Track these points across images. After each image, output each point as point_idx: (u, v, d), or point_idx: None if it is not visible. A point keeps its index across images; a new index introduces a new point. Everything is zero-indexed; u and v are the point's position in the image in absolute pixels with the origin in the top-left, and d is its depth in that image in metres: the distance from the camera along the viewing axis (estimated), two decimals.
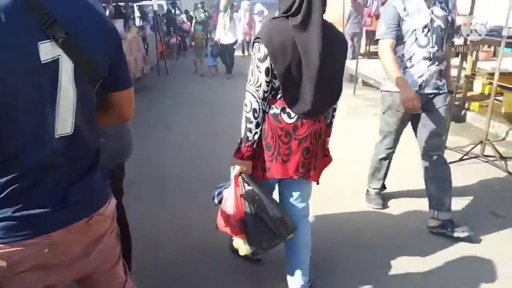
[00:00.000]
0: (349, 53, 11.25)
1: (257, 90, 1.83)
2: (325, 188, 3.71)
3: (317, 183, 2.17)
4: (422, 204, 3.27)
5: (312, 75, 1.81)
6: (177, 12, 15.54)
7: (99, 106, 1.24)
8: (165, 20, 15.21)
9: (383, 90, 3.08)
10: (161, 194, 3.76)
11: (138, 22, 18.02)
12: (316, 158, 2.05)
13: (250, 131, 1.89)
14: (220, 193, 2.16)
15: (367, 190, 3.55)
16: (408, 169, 3.95)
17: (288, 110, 1.89)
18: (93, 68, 1.13)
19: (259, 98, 1.84)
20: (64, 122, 1.10)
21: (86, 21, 1.13)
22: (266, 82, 1.82)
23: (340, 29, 13.21)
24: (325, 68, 1.81)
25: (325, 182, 3.83)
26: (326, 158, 2.20)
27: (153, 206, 3.53)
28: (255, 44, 1.84)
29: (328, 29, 1.83)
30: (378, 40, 2.88)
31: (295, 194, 2.19)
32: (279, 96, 1.89)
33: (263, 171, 2.01)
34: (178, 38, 13.66)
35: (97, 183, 1.24)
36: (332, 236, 3.02)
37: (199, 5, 12.13)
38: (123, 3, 16.33)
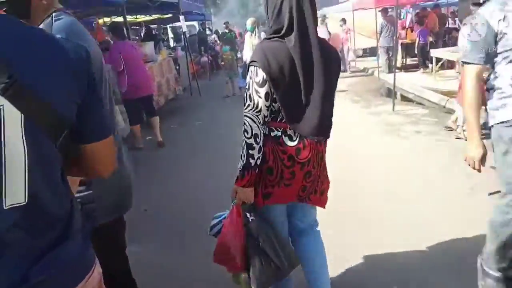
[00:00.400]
0: (385, 67, 10.89)
1: (257, 115, 1.76)
2: (366, 220, 3.46)
3: (323, 208, 2.13)
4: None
5: (318, 94, 1.77)
6: (208, 32, 15.63)
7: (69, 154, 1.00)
8: (197, 40, 15.32)
9: (496, 123, 2.10)
10: (180, 228, 3.52)
11: (172, 43, 18.34)
12: (317, 181, 2.00)
13: (253, 157, 1.78)
14: (218, 223, 2.04)
15: (482, 269, 2.28)
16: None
17: (289, 132, 1.84)
18: (53, 118, 0.89)
19: (259, 123, 1.77)
20: (14, 189, 0.85)
21: (40, 58, 0.88)
22: (266, 106, 1.76)
23: (374, 42, 12.94)
24: (327, 85, 1.80)
25: (364, 211, 3.65)
26: (326, 181, 2.11)
27: (169, 244, 3.30)
28: (251, 67, 1.76)
29: (322, 45, 1.80)
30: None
31: (298, 215, 2.15)
32: (279, 118, 1.83)
33: (264, 197, 1.90)
34: (209, 58, 13.64)
35: (72, 254, 0.98)
36: (378, 279, 2.67)
37: (224, 25, 12.13)
38: (156, 25, 16.71)
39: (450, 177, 4.14)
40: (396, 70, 8.03)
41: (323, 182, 2.05)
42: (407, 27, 12.89)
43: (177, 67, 10.62)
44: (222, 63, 10.85)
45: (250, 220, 1.88)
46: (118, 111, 5.97)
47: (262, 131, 1.79)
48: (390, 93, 9.10)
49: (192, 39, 15.69)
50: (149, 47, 8.77)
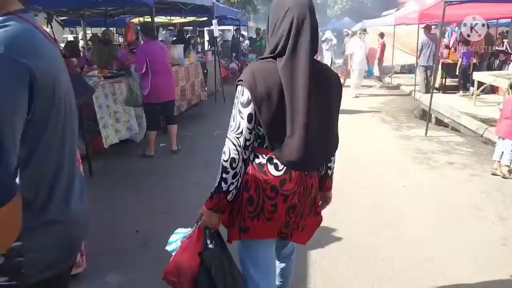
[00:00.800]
0: (422, 87, 10.33)
1: (237, 137, 1.64)
2: (380, 258, 3.02)
3: (305, 244, 1.94)
4: None
5: (300, 120, 1.60)
6: (241, 39, 15.44)
7: None
8: (230, 45, 15.16)
9: None
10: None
11: (206, 46, 18.29)
12: (301, 217, 1.82)
13: (226, 181, 1.68)
14: (177, 240, 1.89)
15: None
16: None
17: (275, 160, 1.68)
18: None
19: (239, 147, 1.65)
20: None
21: None
22: (249, 129, 1.64)
23: (413, 59, 12.36)
24: (315, 112, 1.63)
25: (378, 248, 3.17)
26: (316, 217, 1.94)
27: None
28: (238, 87, 1.66)
29: (319, 70, 1.67)
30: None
31: (276, 246, 1.98)
32: (265, 144, 1.68)
33: (242, 231, 1.75)
34: (239, 64, 13.40)
35: None
36: None
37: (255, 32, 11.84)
38: (191, 27, 16.69)
39: (482, 220, 3.68)
40: (434, 91, 7.48)
41: (306, 219, 1.87)
42: (450, 46, 12.20)
43: (205, 71, 10.43)
44: None
45: (209, 248, 1.75)
46: (133, 115, 5.79)
47: (241, 156, 1.66)
48: (425, 114, 8.55)
49: (226, 44, 15.55)
50: (177, 50, 8.61)
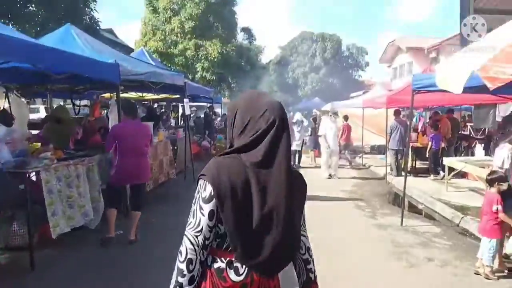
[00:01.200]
0: (394, 170, 10.35)
1: (196, 236, 1.55)
2: None
3: None
4: None
5: (275, 221, 1.56)
6: (213, 116, 15.50)
7: None
8: (203, 122, 15.14)
9: None
10: None
11: (180, 121, 18.25)
12: None
13: (181, 286, 1.54)
14: None
15: None
16: None
17: (236, 264, 1.58)
18: None
19: (198, 246, 1.55)
20: None
21: None
22: (209, 227, 1.56)
23: (382, 140, 12.54)
24: (285, 214, 1.58)
25: None
26: None
27: None
28: (200, 181, 1.60)
29: (289, 170, 1.64)
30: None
31: None
32: (225, 245, 1.60)
33: None
34: (210, 142, 13.26)
35: None
36: None
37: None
38: (164, 103, 16.71)
39: None
40: (408, 174, 7.35)
41: None
42: (419, 130, 12.53)
43: (175, 148, 10.16)
44: (214, 151, 10.37)
45: None
46: (89, 199, 5.31)
47: (199, 257, 1.56)
48: (397, 198, 8.42)
49: (199, 121, 15.54)
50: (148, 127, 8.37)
